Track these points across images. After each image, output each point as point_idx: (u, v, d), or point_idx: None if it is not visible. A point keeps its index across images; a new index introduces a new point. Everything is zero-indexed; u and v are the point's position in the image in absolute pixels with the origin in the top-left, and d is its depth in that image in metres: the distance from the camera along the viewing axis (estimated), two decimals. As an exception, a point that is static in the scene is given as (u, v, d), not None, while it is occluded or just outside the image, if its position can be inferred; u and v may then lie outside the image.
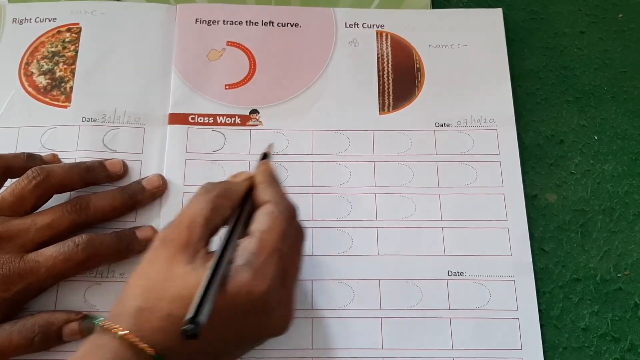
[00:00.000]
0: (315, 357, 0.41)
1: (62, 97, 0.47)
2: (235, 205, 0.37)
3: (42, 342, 0.38)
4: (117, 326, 0.32)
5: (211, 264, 0.32)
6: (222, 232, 0.36)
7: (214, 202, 0.36)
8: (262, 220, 0.35)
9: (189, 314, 0.29)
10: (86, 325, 0.34)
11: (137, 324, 0.32)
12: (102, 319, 0.33)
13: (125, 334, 0.31)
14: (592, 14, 0.52)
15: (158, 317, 0.32)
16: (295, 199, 0.44)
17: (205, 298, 0.30)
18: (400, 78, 0.49)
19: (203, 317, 0.29)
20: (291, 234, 0.36)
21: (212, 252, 0.34)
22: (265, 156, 0.42)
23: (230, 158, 0.46)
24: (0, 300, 0.38)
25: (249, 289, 0.32)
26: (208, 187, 0.37)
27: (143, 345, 0.31)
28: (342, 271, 0.43)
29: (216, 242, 0.35)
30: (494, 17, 0.51)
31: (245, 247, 0.34)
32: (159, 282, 0.33)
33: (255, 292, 0.32)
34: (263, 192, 0.37)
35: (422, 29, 0.51)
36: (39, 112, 0.47)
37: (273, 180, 0.39)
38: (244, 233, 0.35)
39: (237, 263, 0.33)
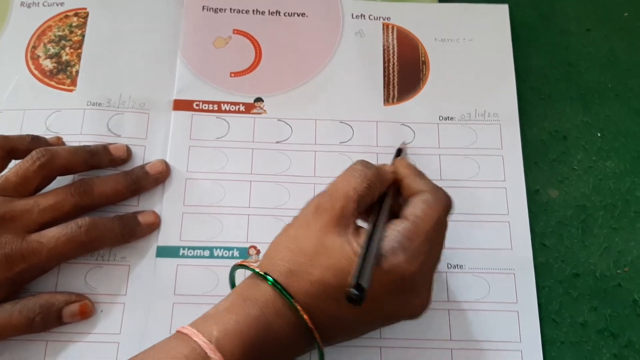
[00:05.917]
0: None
1: (68, 81, 0.47)
2: (383, 190, 0.38)
3: (42, 322, 0.39)
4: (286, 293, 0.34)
5: (364, 239, 0.33)
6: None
7: (370, 181, 0.36)
8: (418, 206, 0.36)
9: (353, 280, 0.30)
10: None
11: (287, 284, 0.34)
12: (272, 281, 0.34)
13: (295, 302, 0.33)
14: (598, 12, 0.52)
15: (308, 281, 0.34)
16: (297, 188, 0.45)
17: (365, 267, 0.31)
18: (406, 70, 0.49)
19: (366, 283, 0.30)
20: (442, 225, 0.37)
21: (360, 227, 0.35)
22: (399, 151, 0.44)
23: (233, 145, 0.46)
24: (2, 279, 0.38)
25: (402, 270, 0.33)
26: (366, 164, 0.38)
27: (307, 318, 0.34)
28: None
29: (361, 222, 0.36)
30: (500, 12, 0.51)
31: (400, 230, 0.34)
32: (311, 249, 0.34)
33: (406, 273, 0.33)
34: (415, 182, 0.37)
35: (428, 23, 0.51)
36: (45, 95, 0.47)
37: (421, 172, 0.39)
38: (388, 218, 0.36)
39: (391, 243, 0.34)
